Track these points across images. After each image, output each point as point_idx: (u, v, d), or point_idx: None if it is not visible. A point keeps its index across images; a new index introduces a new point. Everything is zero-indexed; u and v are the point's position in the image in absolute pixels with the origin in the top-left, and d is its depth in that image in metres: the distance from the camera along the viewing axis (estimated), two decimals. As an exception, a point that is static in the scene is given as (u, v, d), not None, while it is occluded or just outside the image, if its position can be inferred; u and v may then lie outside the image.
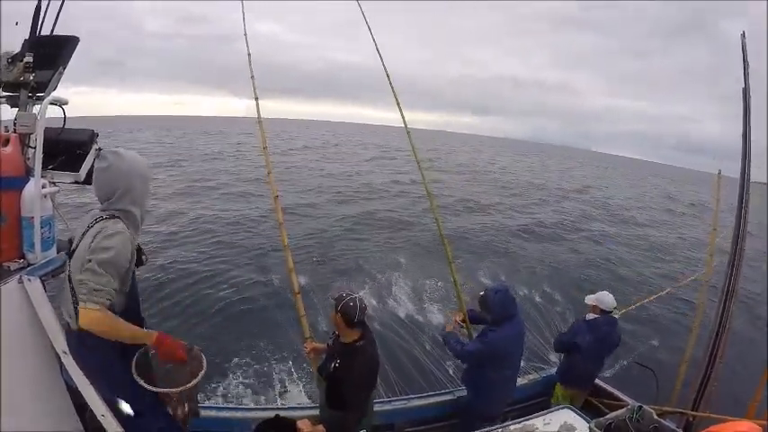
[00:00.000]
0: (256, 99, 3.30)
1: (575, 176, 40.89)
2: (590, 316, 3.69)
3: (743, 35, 3.51)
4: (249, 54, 3.45)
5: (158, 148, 31.92)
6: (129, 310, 2.00)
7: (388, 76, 3.53)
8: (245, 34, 3.48)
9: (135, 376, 1.86)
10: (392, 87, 3.50)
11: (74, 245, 1.88)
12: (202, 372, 2.00)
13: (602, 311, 3.63)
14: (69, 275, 1.84)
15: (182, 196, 15.31)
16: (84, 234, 1.83)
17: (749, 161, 3.41)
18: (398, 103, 3.54)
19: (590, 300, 3.74)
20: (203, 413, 2.99)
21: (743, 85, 3.42)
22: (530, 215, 18.18)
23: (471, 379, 3.21)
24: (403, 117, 3.58)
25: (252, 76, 3.37)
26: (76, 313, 1.77)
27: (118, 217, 1.85)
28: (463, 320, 3.39)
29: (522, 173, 37.24)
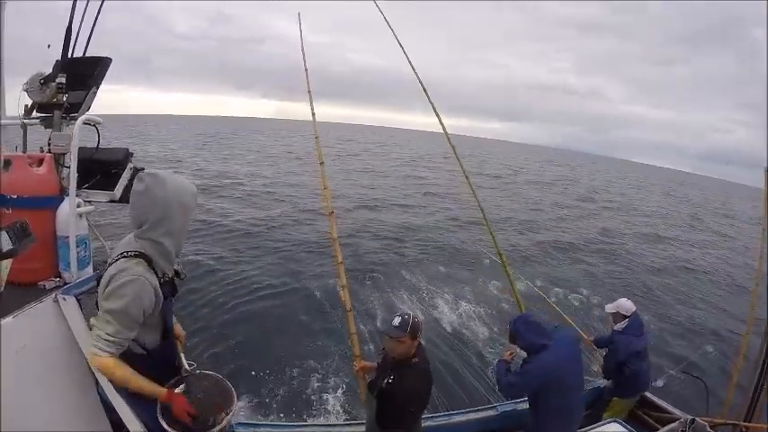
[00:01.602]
0: (313, 115, 3.19)
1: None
2: (620, 326, 3.75)
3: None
4: (306, 69, 3.32)
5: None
6: (166, 345, 1.92)
7: (420, 82, 3.42)
8: (303, 50, 3.39)
9: (160, 419, 1.77)
10: (427, 95, 3.39)
11: (103, 270, 1.77)
12: (230, 413, 1.90)
13: (624, 316, 3.75)
14: (97, 301, 1.75)
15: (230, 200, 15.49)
16: (110, 264, 1.71)
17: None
18: (436, 111, 3.42)
19: (610, 308, 3.86)
20: (242, 430, 2.95)
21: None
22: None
23: (531, 405, 3.01)
24: (443, 126, 3.47)
25: (309, 91, 3.26)
26: None
27: (143, 256, 1.70)
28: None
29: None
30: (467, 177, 3.49)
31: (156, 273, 1.72)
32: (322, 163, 3.16)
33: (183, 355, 2.11)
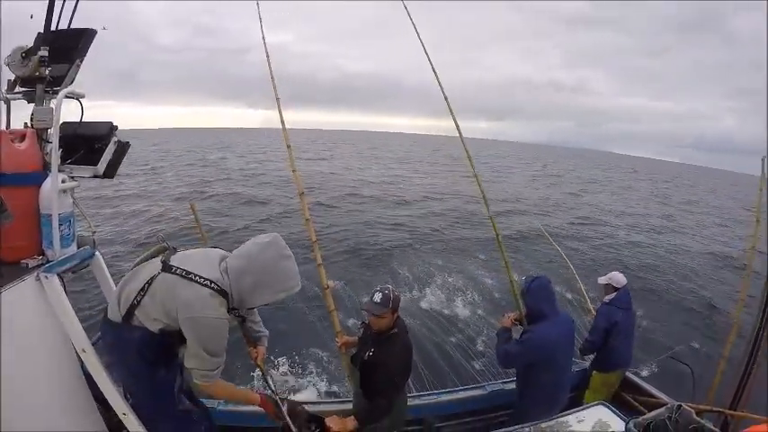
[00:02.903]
0: (278, 99, 3.20)
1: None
2: (608, 297, 3.80)
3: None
4: (268, 55, 3.30)
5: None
6: None
7: (440, 85, 3.42)
8: (263, 38, 3.37)
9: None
10: (446, 98, 3.41)
11: (172, 258, 1.86)
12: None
13: (615, 288, 3.78)
14: (154, 279, 1.81)
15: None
16: (188, 275, 1.77)
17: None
18: (453, 114, 3.44)
19: (602, 280, 3.90)
20: (224, 407, 2.95)
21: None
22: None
23: (520, 380, 3.06)
24: (458, 128, 3.51)
25: (272, 77, 3.24)
26: (130, 308, 1.82)
27: (225, 294, 1.79)
28: (518, 320, 3.14)
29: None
30: (476, 176, 3.50)
31: (229, 306, 1.83)
32: (289, 146, 3.18)
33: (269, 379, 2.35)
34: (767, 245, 3.62)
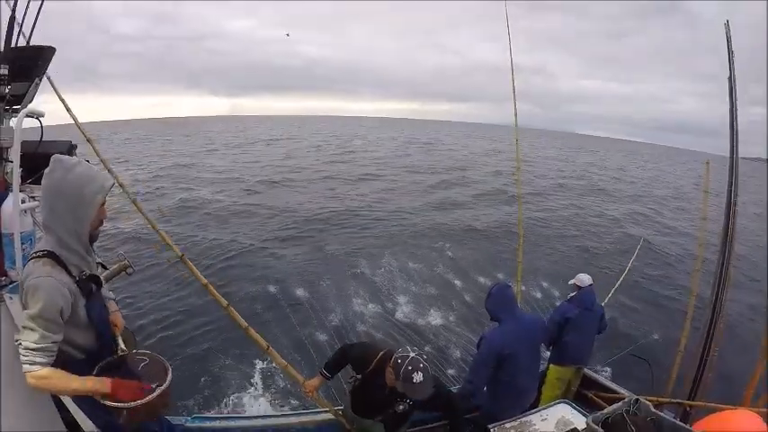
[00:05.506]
0: (61, 98, 2.53)
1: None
2: (570, 295, 4.02)
3: (727, 24, 3.51)
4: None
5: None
6: (102, 344, 1.81)
7: (512, 73, 3.49)
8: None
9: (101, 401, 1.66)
10: (513, 86, 3.45)
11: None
12: (166, 383, 1.76)
13: (578, 287, 3.97)
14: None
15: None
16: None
17: (737, 147, 3.43)
18: (515, 102, 3.51)
19: (571, 281, 4.11)
20: (202, 424, 2.92)
21: (728, 74, 3.42)
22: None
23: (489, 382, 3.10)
24: (516, 114, 3.41)
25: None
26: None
27: (51, 255, 1.58)
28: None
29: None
30: (517, 164, 3.58)
31: (69, 271, 1.61)
32: (134, 200, 2.58)
33: (120, 339, 1.96)
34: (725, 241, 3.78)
